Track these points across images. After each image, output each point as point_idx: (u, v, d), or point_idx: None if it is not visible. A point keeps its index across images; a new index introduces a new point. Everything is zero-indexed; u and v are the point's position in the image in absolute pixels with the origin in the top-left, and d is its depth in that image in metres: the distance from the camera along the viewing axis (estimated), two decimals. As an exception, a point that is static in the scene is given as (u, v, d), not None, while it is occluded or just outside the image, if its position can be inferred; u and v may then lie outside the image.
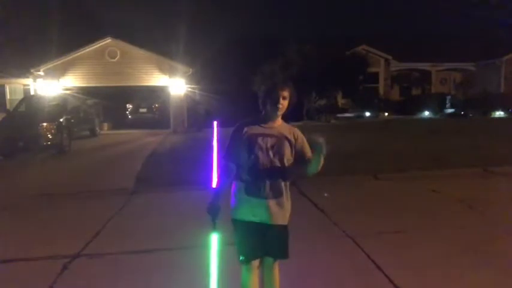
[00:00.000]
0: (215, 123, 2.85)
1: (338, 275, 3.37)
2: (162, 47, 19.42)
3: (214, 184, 2.50)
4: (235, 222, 2.44)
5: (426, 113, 23.57)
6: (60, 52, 18.06)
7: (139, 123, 24.84)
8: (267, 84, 2.47)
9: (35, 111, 12.25)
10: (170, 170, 8.15)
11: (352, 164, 8.08)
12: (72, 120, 12.76)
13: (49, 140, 10.83)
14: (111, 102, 20.67)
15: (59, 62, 17.87)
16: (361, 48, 24.91)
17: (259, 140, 2.35)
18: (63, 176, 8.25)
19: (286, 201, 2.43)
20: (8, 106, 16.31)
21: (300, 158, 2.43)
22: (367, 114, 23.43)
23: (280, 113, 2.39)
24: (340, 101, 24.62)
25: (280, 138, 2.38)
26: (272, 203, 2.36)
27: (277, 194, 2.37)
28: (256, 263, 2.47)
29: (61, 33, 20.33)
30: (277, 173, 2.35)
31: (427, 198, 5.90)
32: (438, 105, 23.72)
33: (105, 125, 19.53)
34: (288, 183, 2.44)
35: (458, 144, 10.56)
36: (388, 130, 15.79)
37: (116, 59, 18.07)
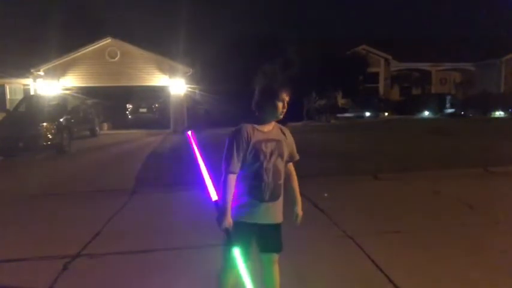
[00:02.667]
0: (189, 133, 2.74)
1: (338, 275, 3.37)
2: (162, 47, 19.45)
3: (214, 197, 2.45)
4: (235, 224, 2.39)
5: (426, 113, 23.59)
6: (60, 52, 18.06)
7: (139, 123, 24.83)
8: (270, 87, 2.37)
9: (35, 111, 12.25)
10: (170, 170, 8.15)
11: (352, 164, 8.08)
12: (72, 120, 12.77)
13: (49, 140, 10.83)
14: (111, 102, 20.68)
15: (59, 62, 17.88)
16: (361, 48, 24.94)
17: (263, 146, 2.32)
18: (63, 176, 8.25)
19: (282, 201, 2.46)
20: (8, 106, 16.32)
21: (288, 158, 2.49)
22: (367, 114, 23.45)
23: (281, 117, 2.37)
24: (340, 101, 24.65)
25: (279, 141, 2.38)
26: (272, 205, 2.37)
27: (276, 197, 2.38)
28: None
29: (61, 33, 20.34)
30: (278, 176, 2.36)
31: (428, 198, 5.90)
32: (438, 105, 23.76)
33: (105, 125, 19.54)
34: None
35: (458, 144, 10.57)
36: (388, 130, 15.79)
37: (116, 59, 18.08)
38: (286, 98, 2.34)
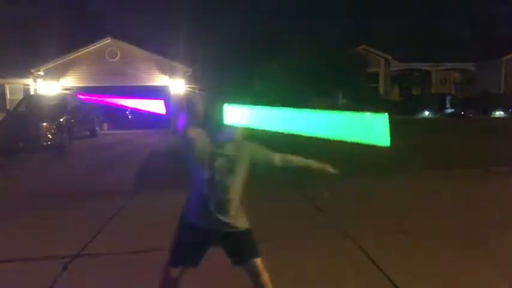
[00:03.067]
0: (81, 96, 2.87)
1: (338, 275, 3.37)
2: (162, 47, 19.45)
3: (162, 112, 2.43)
4: (183, 224, 2.43)
5: (426, 113, 23.58)
6: (60, 52, 18.09)
7: (139, 123, 24.80)
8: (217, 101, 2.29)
9: (35, 111, 12.26)
10: (170, 170, 8.14)
11: (352, 165, 8.06)
12: (72, 120, 12.77)
13: (49, 140, 10.83)
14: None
15: (59, 62, 17.91)
16: (361, 48, 24.92)
17: (210, 158, 2.22)
18: (63, 176, 8.24)
19: (240, 214, 2.35)
20: (8, 106, 16.34)
21: (265, 164, 2.35)
22: (367, 114, 23.43)
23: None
24: (340, 101, 24.63)
25: (230, 158, 2.25)
26: (224, 217, 2.27)
27: (224, 211, 2.26)
28: (178, 271, 2.40)
29: (61, 33, 20.35)
30: (222, 192, 2.25)
31: (428, 198, 5.89)
32: (438, 105, 23.75)
33: (105, 125, 19.55)
34: (238, 198, 2.33)
35: (458, 144, 10.56)
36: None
37: (116, 59, 18.10)
38: None
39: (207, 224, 2.29)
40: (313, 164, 2.38)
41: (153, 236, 4.44)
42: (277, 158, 2.35)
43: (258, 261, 2.32)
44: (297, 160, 2.39)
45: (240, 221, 2.33)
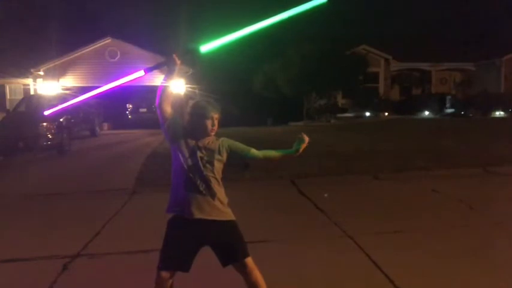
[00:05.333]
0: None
1: (338, 275, 3.37)
2: (162, 47, 19.44)
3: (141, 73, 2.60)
4: (172, 220, 2.58)
5: (426, 113, 23.59)
6: (60, 52, 18.10)
7: (139, 123, 24.82)
8: (198, 106, 2.40)
9: (35, 111, 12.25)
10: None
11: (352, 164, 8.07)
12: (72, 120, 12.77)
13: (49, 140, 10.83)
14: (111, 102, 20.68)
15: (59, 62, 17.92)
16: (361, 48, 24.89)
17: (191, 153, 2.35)
18: (63, 175, 8.25)
19: (223, 203, 2.42)
20: (8, 106, 16.34)
21: (243, 155, 2.49)
22: (367, 114, 23.45)
23: (212, 134, 2.40)
24: (340, 101, 24.63)
25: (210, 154, 2.37)
26: (210, 199, 2.36)
27: (211, 191, 2.36)
28: (168, 274, 2.40)
29: (61, 33, 20.35)
30: (200, 189, 2.35)
31: (427, 198, 5.90)
32: (438, 105, 23.75)
33: (105, 125, 19.55)
34: (219, 188, 2.41)
35: (458, 144, 10.56)
36: (388, 130, 15.78)
37: (116, 59, 18.11)
38: (216, 116, 2.37)
39: (194, 210, 2.37)
40: (288, 151, 2.56)
41: (153, 236, 4.43)
42: (254, 150, 2.53)
43: (249, 260, 2.38)
44: (272, 152, 2.59)
45: (224, 210, 2.41)
